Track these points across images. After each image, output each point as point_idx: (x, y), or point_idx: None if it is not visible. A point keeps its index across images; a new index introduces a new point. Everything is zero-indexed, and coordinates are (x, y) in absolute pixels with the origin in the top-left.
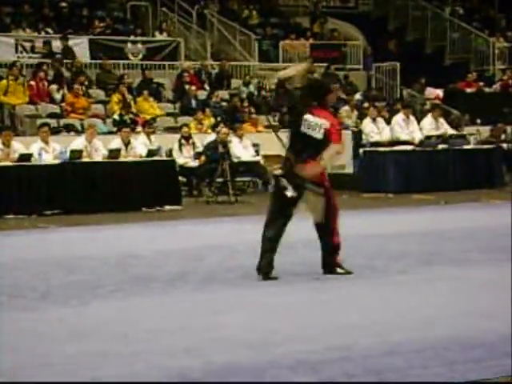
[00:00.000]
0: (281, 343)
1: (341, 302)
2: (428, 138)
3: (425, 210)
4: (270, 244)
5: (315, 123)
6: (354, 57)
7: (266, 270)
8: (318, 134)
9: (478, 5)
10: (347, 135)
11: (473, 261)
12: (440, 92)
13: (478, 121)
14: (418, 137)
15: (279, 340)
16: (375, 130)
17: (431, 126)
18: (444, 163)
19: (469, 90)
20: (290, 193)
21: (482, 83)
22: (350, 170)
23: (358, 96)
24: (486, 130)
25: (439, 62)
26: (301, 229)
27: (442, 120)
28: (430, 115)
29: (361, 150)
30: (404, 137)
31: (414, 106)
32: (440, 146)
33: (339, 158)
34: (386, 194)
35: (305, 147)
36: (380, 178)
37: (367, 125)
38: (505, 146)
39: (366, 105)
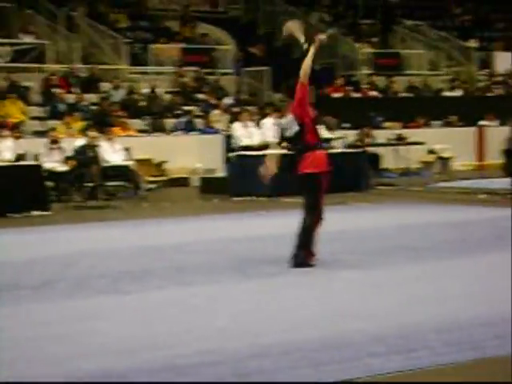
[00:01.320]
0: (150, 348)
1: (211, 306)
2: None
3: (294, 213)
4: None
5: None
6: (224, 61)
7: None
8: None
9: (343, 11)
10: (218, 139)
11: (341, 262)
12: None
13: (345, 125)
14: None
15: (148, 345)
16: (245, 134)
17: None
18: None
19: (336, 95)
20: None
21: (348, 88)
22: (220, 173)
23: (228, 100)
24: (352, 134)
25: None
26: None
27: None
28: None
29: (231, 154)
30: (271, 141)
31: (283, 110)
32: None
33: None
34: (256, 198)
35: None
36: (251, 181)
37: (238, 129)
38: (370, 149)
39: (236, 109)
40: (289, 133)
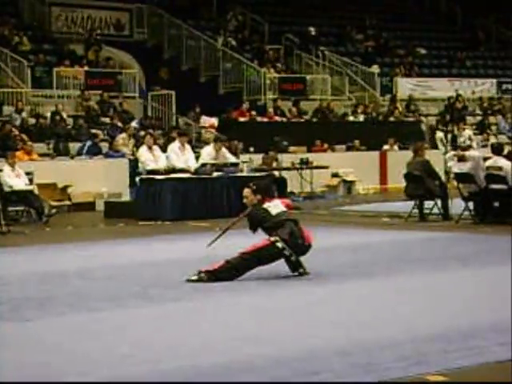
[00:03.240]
0: (50, 377)
1: (114, 332)
2: (203, 165)
3: (201, 237)
4: None
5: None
6: (129, 85)
7: None
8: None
9: (249, 36)
10: (124, 163)
11: (245, 287)
12: (215, 120)
13: (251, 149)
14: (193, 165)
15: (49, 373)
16: (151, 158)
17: (210, 155)
18: (219, 190)
19: (242, 119)
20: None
21: (254, 112)
22: (126, 198)
23: (134, 124)
24: (258, 158)
25: (213, 90)
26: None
27: (224, 150)
28: (212, 145)
29: (137, 178)
30: (180, 165)
31: (189, 134)
32: (215, 174)
33: None
34: (162, 222)
35: None
36: (157, 205)
37: (143, 153)
38: (276, 173)
39: (142, 133)
40: None
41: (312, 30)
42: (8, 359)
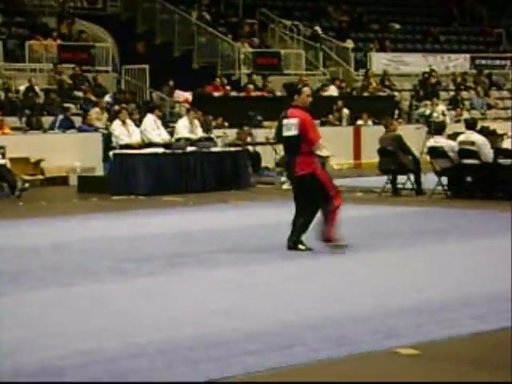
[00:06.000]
0: (27, 350)
1: (88, 306)
2: (178, 140)
3: (174, 212)
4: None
5: (290, 124)
6: (102, 58)
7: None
8: (294, 132)
9: (223, 10)
10: (97, 138)
11: (219, 261)
12: (189, 95)
13: (226, 124)
14: (167, 139)
15: (25, 347)
16: (125, 133)
17: (186, 127)
18: (193, 165)
19: (216, 94)
20: (285, 186)
21: (228, 87)
22: (100, 172)
23: (107, 98)
24: (232, 133)
25: (187, 65)
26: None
27: (196, 122)
28: (185, 117)
29: (111, 153)
30: (154, 139)
31: (163, 109)
32: (189, 149)
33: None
34: (136, 196)
35: (289, 146)
36: (130, 180)
37: (117, 127)
38: (250, 148)
39: (116, 107)
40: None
41: None
42: None
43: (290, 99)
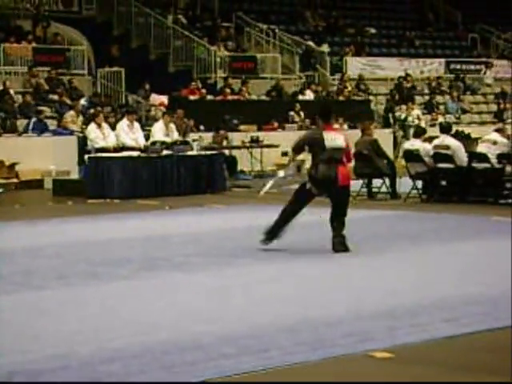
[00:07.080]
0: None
1: (61, 310)
2: (153, 143)
3: (149, 215)
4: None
5: (335, 137)
6: (78, 61)
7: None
8: (342, 144)
9: (199, 14)
10: (72, 141)
11: (194, 265)
12: (165, 99)
13: (201, 127)
14: (142, 143)
15: None
16: (100, 136)
17: (162, 131)
18: (169, 169)
19: (192, 97)
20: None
21: (204, 91)
22: (75, 176)
23: (83, 101)
24: (208, 137)
25: (163, 68)
26: None
27: (172, 126)
28: (161, 121)
29: (86, 156)
30: (129, 142)
31: (138, 112)
32: (165, 152)
33: None
34: (111, 200)
35: (333, 157)
36: (105, 183)
37: (92, 130)
38: (226, 151)
39: (91, 110)
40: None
41: None
42: None
43: (326, 118)
